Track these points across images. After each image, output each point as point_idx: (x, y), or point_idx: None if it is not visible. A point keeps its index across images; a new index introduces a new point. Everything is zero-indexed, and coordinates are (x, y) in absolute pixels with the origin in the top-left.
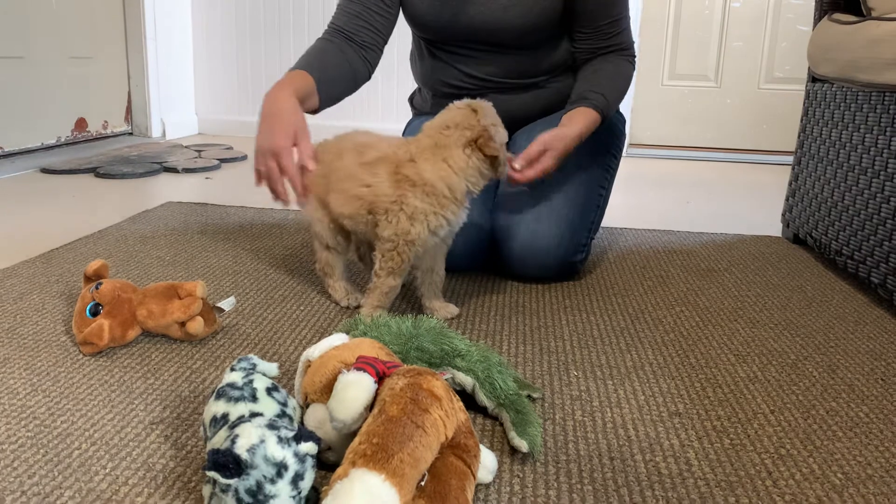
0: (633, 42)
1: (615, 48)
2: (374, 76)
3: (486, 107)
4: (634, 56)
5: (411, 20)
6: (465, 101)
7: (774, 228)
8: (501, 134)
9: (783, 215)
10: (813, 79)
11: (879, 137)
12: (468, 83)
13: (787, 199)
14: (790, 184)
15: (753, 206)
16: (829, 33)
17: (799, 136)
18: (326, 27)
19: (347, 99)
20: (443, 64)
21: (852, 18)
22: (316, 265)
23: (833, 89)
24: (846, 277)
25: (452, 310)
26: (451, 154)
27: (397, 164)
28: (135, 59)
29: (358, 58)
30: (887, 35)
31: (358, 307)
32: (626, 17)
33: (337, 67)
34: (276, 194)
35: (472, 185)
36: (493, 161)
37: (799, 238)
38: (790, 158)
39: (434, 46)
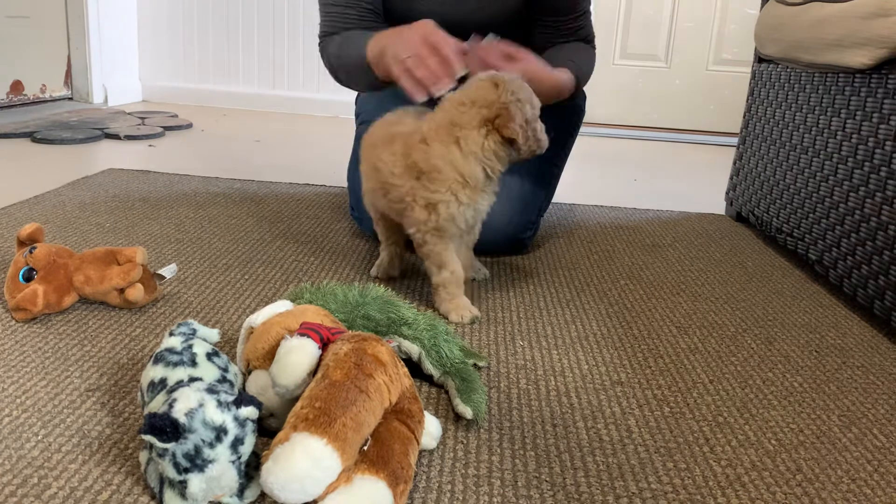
0: (594, 35)
1: (577, 40)
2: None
3: (510, 81)
4: (595, 47)
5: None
6: (490, 73)
7: (718, 206)
8: (527, 110)
9: (727, 193)
10: (759, 59)
11: (820, 118)
12: None
13: (730, 178)
14: (734, 163)
15: (699, 184)
16: (775, 14)
17: (744, 116)
18: (321, 38)
19: (297, 68)
20: None
21: (798, 0)
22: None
23: (778, 70)
24: (785, 254)
25: (466, 313)
26: (465, 134)
27: (408, 146)
28: (75, 20)
29: None
30: (830, 16)
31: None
32: (589, 11)
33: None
34: (427, 79)
35: (490, 170)
36: (512, 143)
37: (742, 216)
38: (736, 140)
39: None
